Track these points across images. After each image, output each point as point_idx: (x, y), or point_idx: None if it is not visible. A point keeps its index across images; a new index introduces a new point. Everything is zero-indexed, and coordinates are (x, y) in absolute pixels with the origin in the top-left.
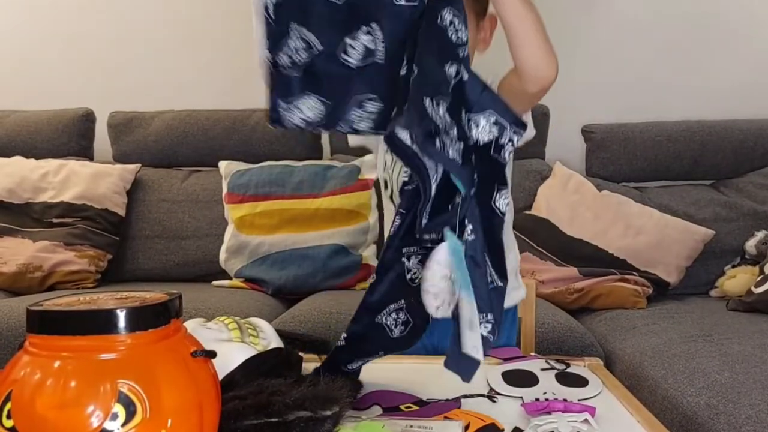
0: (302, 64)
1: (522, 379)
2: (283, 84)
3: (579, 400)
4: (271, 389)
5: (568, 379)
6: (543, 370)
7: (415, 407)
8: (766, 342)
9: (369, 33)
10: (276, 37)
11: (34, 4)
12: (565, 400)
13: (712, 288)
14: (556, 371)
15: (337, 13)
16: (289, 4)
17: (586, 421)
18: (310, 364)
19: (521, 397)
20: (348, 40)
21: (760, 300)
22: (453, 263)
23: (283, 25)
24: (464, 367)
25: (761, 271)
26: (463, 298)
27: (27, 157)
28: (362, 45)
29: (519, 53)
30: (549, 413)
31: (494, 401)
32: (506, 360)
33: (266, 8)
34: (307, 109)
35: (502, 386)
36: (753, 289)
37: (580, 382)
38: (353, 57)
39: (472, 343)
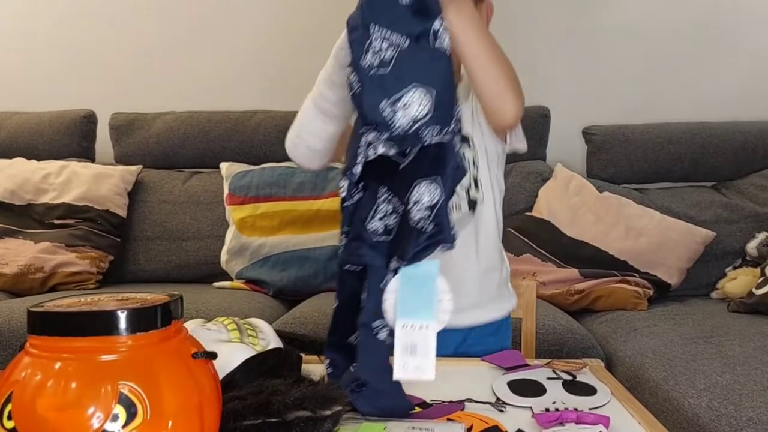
0: (390, 60)
1: (529, 388)
2: (376, 85)
3: (589, 409)
4: (270, 389)
5: (576, 388)
6: (549, 379)
7: (418, 409)
8: (767, 344)
9: (440, 21)
10: (357, 48)
11: (36, 6)
12: (576, 409)
13: (713, 290)
14: (562, 380)
15: (411, 9)
16: (363, 13)
17: None
18: (310, 364)
19: (530, 407)
20: (427, 26)
21: (761, 302)
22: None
23: (361, 33)
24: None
25: (762, 273)
26: (400, 322)
27: (28, 158)
28: (443, 33)
29: (475, 91)
30: (562, 424)
31: (502, 411)
32: (510, 369)
33: (349, 25)
34: (417, 102)
35: (509, 396)
36: (754, 290)
37: (589, 390)
38: (436, 42)
39: (414, 365)
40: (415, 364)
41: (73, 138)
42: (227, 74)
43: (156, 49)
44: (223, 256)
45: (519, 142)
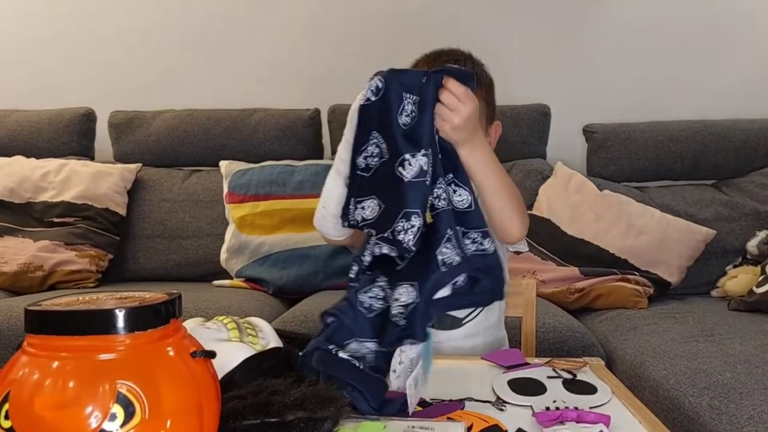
0: (372, 168)
1: (529, 387)
2: (357, 185)
3: (590, 408)
4: (270, 389)
5: (576, 387)
6: (549, 377)
7: (418, 408)
8: (767, 342)
9: (426, 156)
10: (360, 141)
11: (35, 4)
12: (576, 408)
13: (714, 288)
14: (563, 379)
15: (403, 132)
16: (374, 110)
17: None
18: None
19: (530, 406)
20: (407, 156)
21: (761, 300)
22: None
23: (366, 131)
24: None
25: (762, 271)
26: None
27: (28, 156)
28: (419, 164)
29: (486, 211)
30: (562, 423)
31: (502, 410)
32: (510, 368)
33: (360, 109)
34: (369, 209)
35: (509, 395)
36: (754, 289)
37: (589, 389)
38: (408, 172)
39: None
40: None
41: (72, 136)
42: (227, 72)
43: (155, 47)
44: (223, 255)
45: (519, 245)
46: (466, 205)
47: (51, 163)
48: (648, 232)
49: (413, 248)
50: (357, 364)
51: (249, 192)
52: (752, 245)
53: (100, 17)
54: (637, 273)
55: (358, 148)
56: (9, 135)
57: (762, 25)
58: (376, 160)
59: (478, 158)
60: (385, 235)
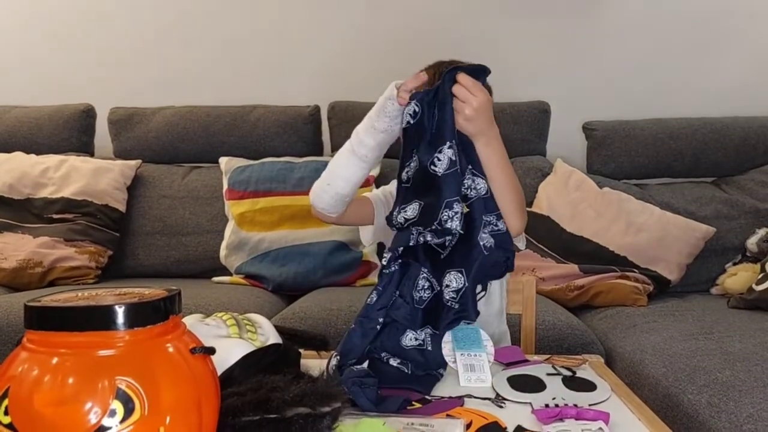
0: (411, 178)
1: (528, 384)
2: (401, 197)
3: (589, 405)
4: (269, 385)
5: (575, 384)
6: (549, 374)
7: (417, 404)
8: (767, 340)
9: (451, 148)
10: (404, 161)
11: (35, 0)
12: (575, 405)
13: (713, 285)
14: (562, 376)
15: (429, 134)
16: (413, 132)
17: (600, 429)
18: (309, 360)
19: (530, 403)
20: (437, 155)
21: (761, 298)
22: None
23: (408, 150)
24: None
25: (762, 269)
26: (459, 353)
27: (27, 152)
28: (447, 157)
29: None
30: (562, 420)
31: (502, 407)
32: (509, 365)
33: (403, 132)
34: (410, 210)
35: (508, 392)
36: (754, 286)
37: (588, 386)
38: (440, 167)
39: (475, 377)
40: (476, 377)
41: (72, 132)
42: (226, 69)
43: (155, 43)
44: (222, 251)
45: (518, 242)
46: (483, 192)
47: (51, 160)
48: (648, 229)
49: (461, 231)
50: (405, 370)
51: (249, 188)
52: (752, 243)
53: (101, 13)
54: (636, 270)
55: (402, 166)
56: (9, 131)
57: (762, 22)
58: (413, 171)
59: (492, 152)
60: (433, 227)
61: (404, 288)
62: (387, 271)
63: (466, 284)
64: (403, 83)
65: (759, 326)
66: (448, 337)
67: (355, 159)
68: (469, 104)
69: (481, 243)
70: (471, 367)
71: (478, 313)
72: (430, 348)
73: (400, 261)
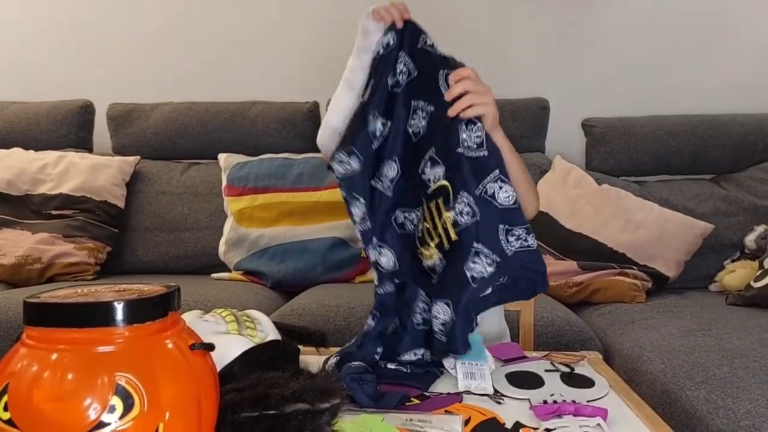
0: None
1: (527, 380)
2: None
3: (587, 401)
4: (268, 382)
5: (574, 380)
6: (547, 371)
7: (416, 401)
8: (765, 336)
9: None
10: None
11: None
12: (573, 401)
13: (712, 282)
14: (560, 372)
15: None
16: (384, 63)
17: (598, 425)
18: (308, 356)
19: (528, 399)
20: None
21: (759, 294)
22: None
23: (376, 81)
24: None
25: (760, 266)
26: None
27: (26, 148)
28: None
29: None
30: (560, 416)
31: (500, 403)
32: (508, 361)
33: (374, 57)
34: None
35: (507, 388)
36: (752, 283)
37: (587, 383)
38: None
39: (475, 385)
40: (476, 384)
41: (70, 128)
42: (226, 65)
43: (154, 39)
44: (221, 248)
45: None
46: (511, 202)
47: (49, 156)
48: (646, 226)
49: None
50: (405, 370)
51: (247, 185)
52: (750, 240)
53: (99, 9)
54: (635, 267)
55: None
56: (7, 127)
57: (761, 19)
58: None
59: (503, 139)
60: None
61: (402, 314)
62: (382, 292)
63: (454, 317)
64: (385, 6)
65: (757, 323)
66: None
67: (344, 89)
68: (487, 95)
69: (469, 274)
70: (471, 375)
71: (469, 347)
72: (429, 359)
73: (396, 281)
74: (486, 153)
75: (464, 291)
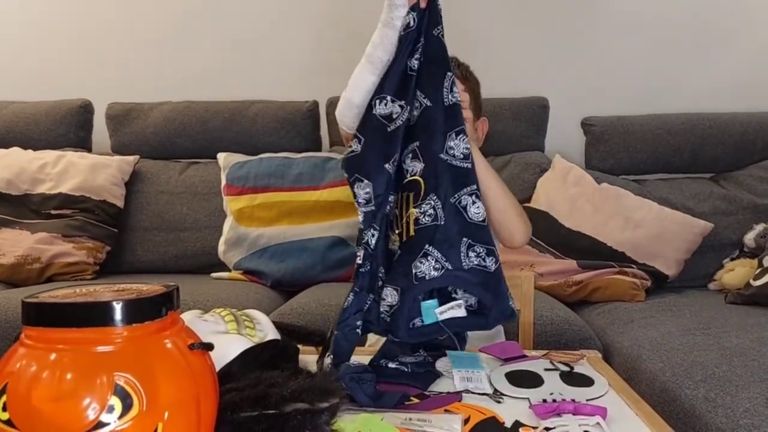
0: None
1: (526, 379)
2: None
3: (587, 400)
4: (268, 381)
5: (573, 379)
6: (547, 370)
7: (416, 400)
8: (764, 335)
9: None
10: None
11: None
12: (573, 400)
13: (711, 281)
14: (560, 371)
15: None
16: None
17: (597, 424)
18: (308, 356)
19: (527, 398)
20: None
21: (758, 293)
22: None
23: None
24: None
25: (760, 264)
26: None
27: (25, 148)
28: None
29: (490, 216)
30: (559, 415)
31: (500, 402)
32: (507, 360)
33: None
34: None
35: (506, 387)
36: (751, 282)
37: (586, 381)
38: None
39: (473, 386)
40: (473, 386)
41: (69, 128)
42: (225, 64)
43: (153, 38)
44: (221, 247)
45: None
46: (481, 219)
47: (48, 155)
48: (646, 225)
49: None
50: (405, 369)
51: (247, 184)
52: (749, 238)
53: (99, 8)
54: (634, 266)
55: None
56: (6, 126)
57: (760, 18)
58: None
59: (480, 156)
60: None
61: (374, 289)
62: (363, 270)
63: (399, 304)
64: None
65: (756, 321)
66: (446, 359)
67: (366, 65)
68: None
69: (414, 271)
70: (468, 379)
71: (410, 336)
72: (430, 360)
73: (371, 259)
74: (469, 166)
75: (409, 284)
